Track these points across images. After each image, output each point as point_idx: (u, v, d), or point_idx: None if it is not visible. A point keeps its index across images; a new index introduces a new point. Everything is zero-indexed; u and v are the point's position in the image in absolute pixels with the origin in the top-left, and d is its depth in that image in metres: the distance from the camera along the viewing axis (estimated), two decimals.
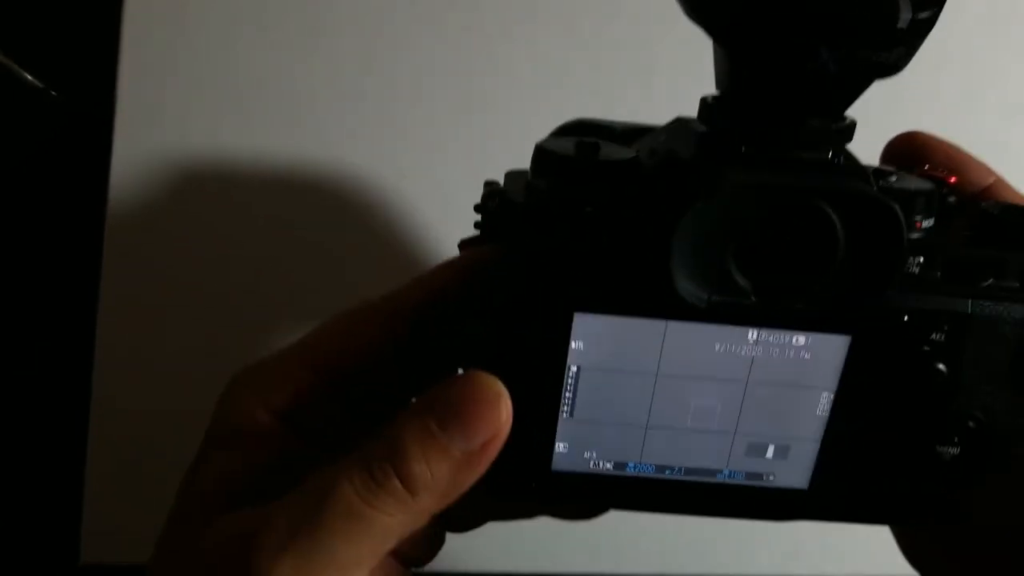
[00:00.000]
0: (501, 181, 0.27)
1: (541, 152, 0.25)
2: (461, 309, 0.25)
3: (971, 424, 0.26)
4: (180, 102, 0.42)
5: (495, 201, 0.26)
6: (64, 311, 0.44)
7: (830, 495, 0.27)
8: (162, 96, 0.41)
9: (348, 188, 0.42)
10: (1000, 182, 0.30)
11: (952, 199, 0.27)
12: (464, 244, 0.29)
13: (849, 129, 0.24)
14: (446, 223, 0.42)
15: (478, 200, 0.27)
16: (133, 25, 0.41)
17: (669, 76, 0.42)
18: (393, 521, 0.23)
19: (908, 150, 0.30)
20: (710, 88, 0.25)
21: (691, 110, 0.25)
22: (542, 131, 0.25)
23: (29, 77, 0.42)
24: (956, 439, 0.26)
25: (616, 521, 0.45)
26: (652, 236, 0.23)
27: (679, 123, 0.26)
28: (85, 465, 0.42)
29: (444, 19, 0.42)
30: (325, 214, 0.42)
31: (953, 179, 0.28)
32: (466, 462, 0.23)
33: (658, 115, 0.28)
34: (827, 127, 0.24)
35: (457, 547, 0.30)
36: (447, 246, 0.27)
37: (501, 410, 0.24)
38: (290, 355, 0.27)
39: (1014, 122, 0.45)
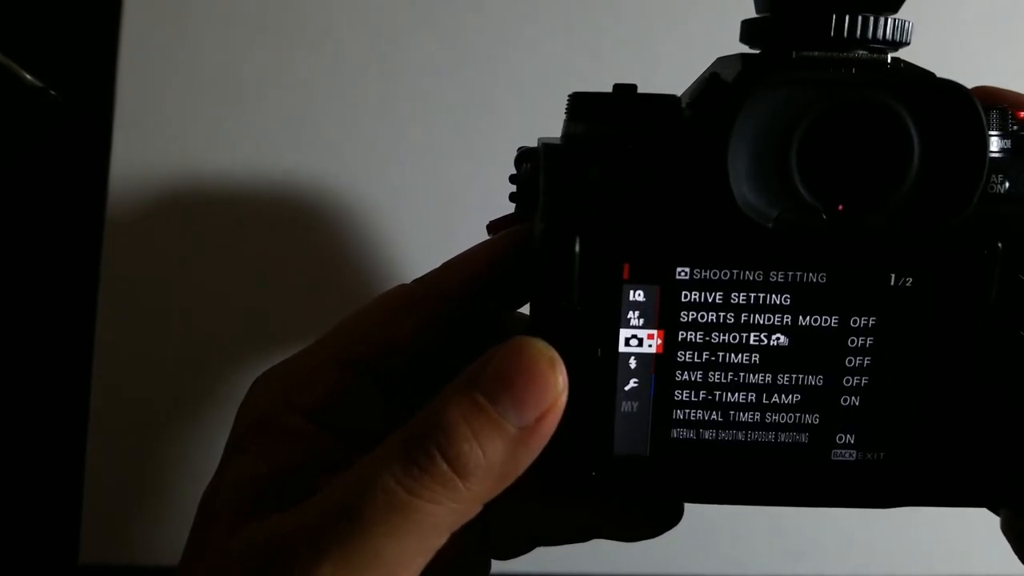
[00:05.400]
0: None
1: (576, 98, 0.23)
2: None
3: None
4: (179, 102, 0.41)
5: (529, 163, 0.23)
6: (63, 311, 0.44)
7: (931, 471, 0.23)
8: (161, 96, 0.41)
9: (350, 188, 0.42)
10: None
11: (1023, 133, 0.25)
12: (493, 225, 0.26)
13: (906, 29, 0.22)
14: (450, 224, 0.42)
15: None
16: (133, 25, 0.41)
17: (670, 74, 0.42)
18: (442, 511, 0.20)
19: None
20: None
21: None
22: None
23: (29, 77, 0.43)
24: None
25: None
26: (704, 157, 0.21)
27: (717, 60, 0.24)
28: (84, 465, 0.42)
29: (447, 21, 0.42)
30: (327, 215, 0.42)
31: (1022, 113, 0.25)
32: (520, 439, 0.21)
33: None
34: (882, 25, 0.21)
35: None
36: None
37: (557, 376, 0.21)
38: (317, 351, 0.24)
39: None
